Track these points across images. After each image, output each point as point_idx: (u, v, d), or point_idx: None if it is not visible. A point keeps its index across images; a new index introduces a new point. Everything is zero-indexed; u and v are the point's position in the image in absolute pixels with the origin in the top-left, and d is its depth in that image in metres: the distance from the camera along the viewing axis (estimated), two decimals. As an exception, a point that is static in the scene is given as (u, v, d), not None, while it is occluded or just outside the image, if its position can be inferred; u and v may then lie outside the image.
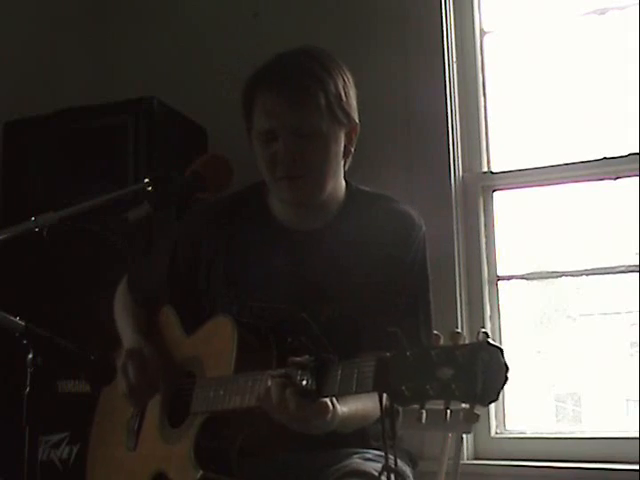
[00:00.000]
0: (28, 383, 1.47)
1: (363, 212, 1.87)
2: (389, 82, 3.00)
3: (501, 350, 1.16)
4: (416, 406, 1.21)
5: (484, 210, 2.92)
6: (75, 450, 2.67)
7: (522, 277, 2.98)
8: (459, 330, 1.21)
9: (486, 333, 1.18)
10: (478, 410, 1.17)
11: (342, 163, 1.88)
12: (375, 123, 2.91)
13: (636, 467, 2.46)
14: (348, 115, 1.81)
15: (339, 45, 2.98)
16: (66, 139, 2.96)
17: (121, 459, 1.92)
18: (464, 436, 2.18)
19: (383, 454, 1.73)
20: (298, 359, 1.46)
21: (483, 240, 2.90)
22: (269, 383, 1.49)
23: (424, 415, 1.21)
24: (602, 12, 2.89)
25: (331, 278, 1.81)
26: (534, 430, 2.85)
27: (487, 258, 2.89)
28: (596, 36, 2.91)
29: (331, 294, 1.80)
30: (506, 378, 1.16)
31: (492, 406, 2.80)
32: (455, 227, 2.86)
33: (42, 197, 2.90)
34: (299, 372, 1.45)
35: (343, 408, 1.52)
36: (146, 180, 1.70)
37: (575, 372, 3.22)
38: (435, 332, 1.21)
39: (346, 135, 1.84)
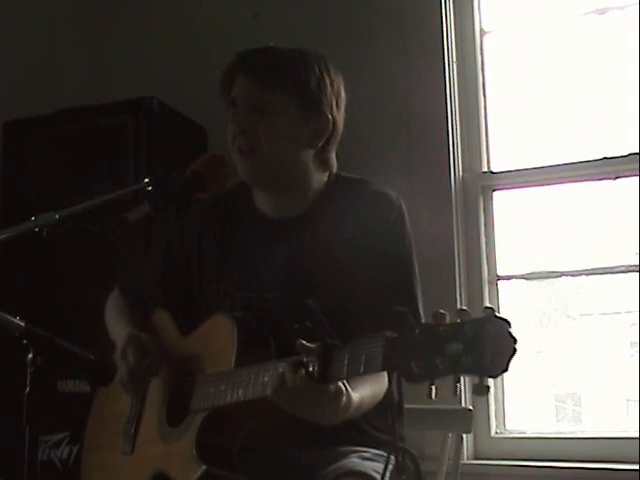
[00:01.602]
0: (28, 383, 1.47)
1: (341, 197, 1.86)
2: (389, 82, 3.00)
3: (508, 322, 1.17)
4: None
5: (484, 210, 2.92)
6: (75, 450, 2.67)
7: (522, 277, 2.98)
8: (464, 307, 1.22)
9: (492, 308, 1.19)
10: (487, 382, 1.17)
11: (310, 154, 1.85)
12: (375, 123, 2.93)
13: (636, 467, 2.45)
14: (317, 105, 1.81)
15: (339, 45, 3.01)
16: (66, 139, 2.96)
17: (118, 463, 1.91)
18: (464, 436, 2.17)
19: (382, 453, 1.75)
20: (306, 343, 1.46)
21: (483, 240, 2.90)
22: (280, 370, 1.49)
23: (434, 391, 1.21)
24: (602, 12, 2.89)
25: (314, 266, 1.80)
26: (534, 430, 2.85)
27: (487, 258, 2.89)
28: (596, 36, 2.91)
29: (315, 281, 1.79)
30: (514, 349, 1.16)
31: (492, 406, 2.80)
32: (455, 227, 2.86)
33: (42, 197, 2.90)
34: (306, 358, 1.45)
35: (355, 394, 1.52)
36: (146, 180, 1.70)
37: (575, 372, 3.21)
38: (441, 311, 1.22)
39: (313, 126, 1.82)
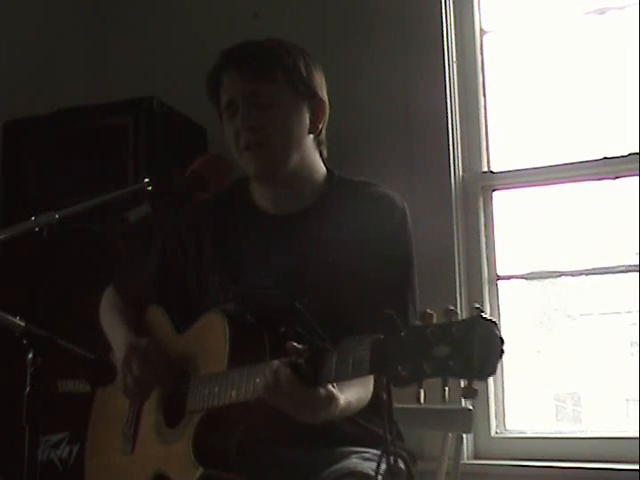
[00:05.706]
0: (28, 383, 1.47)
1: (344, 196, 1.87)
2: (389, 82, 3.00)
3: (495, 323, 1.16)
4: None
5: (484, 210, 2.92)
6: (75, 450, 2.67)
7: (522, 277, 2.98)
8: (452, 307, 1.20)
9: (479, 308, 1.18)
10: (476, 385, 1.16)
11: (310, 139, 1.88)
12: (375, 123, 2.93)
13: (636, 467, 2.45)
14: (310, 88, 1.85)
15: (339, 45, 3.01)
16: (66, 139, 2.96)
17: (119, 465, 1.91)
18: (464, 436, 2.17)
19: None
20: (295, 344, 1.47)
21: (483, 240, 2.89)
22: (267, 372, 1.49)
23: (422, 395, 1.20)
24: (602, 12, 2.89)
25: (310, 263, 1.80)
26: (534, 430, 2.85)
27: (487, 258, 2.89)
28: (596, 36, 2.91)
29: (310, 278, 1.79)
30: (502, 351, 1.15)
31: (492, 406, 2.80)
32: (455, 227, 2.86)
33: (42, 197, 2.90)
34: (297, 359, 1.46)
35: (343, 397, 1.53)
36: (146, 180, 1.70)
37: (575, 372, 3.21)
38: (428, 310, 1.20)
39: (311, 110, 1.86)
